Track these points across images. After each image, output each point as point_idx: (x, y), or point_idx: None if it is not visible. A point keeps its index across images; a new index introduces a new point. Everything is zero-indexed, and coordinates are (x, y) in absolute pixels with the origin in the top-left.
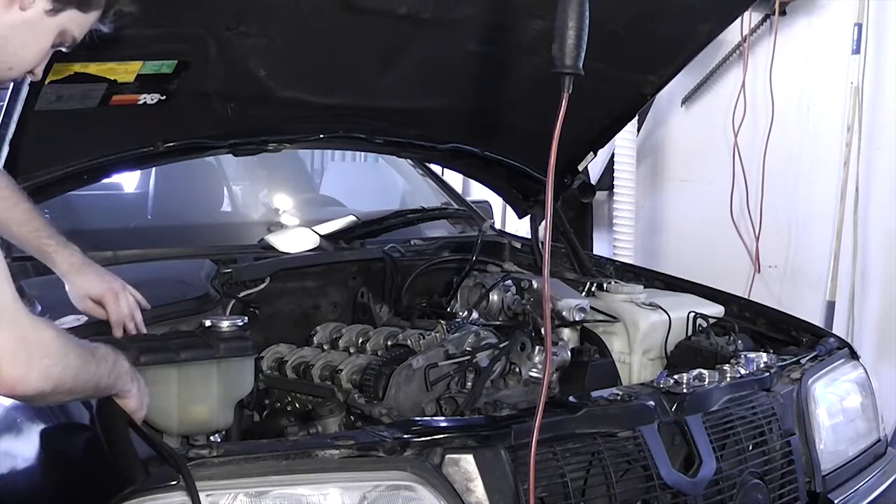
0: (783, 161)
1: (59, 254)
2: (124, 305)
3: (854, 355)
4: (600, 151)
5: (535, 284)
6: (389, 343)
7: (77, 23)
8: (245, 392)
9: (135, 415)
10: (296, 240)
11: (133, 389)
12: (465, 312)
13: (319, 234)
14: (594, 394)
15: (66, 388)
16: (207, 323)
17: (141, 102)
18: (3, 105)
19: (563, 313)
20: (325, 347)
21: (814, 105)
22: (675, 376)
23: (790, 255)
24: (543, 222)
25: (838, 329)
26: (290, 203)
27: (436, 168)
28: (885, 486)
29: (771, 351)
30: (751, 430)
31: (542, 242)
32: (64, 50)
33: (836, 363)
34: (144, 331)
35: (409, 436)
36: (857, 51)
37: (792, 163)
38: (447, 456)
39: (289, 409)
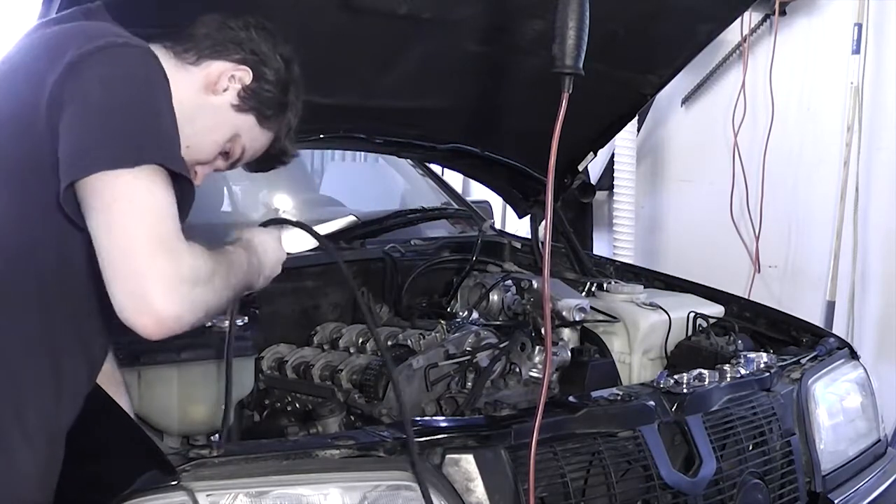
0: (783, 161)
1: None
2: None
3: (854, 355)
4: (600, 151)
5: (535, 284)
6: (389, 343)
7: (250, 133)
8: (245, 392)
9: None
10: (296, 240)
11: (260, 282)
12: (465, 312)
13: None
14: (594, 394)
15: (210, 313)
16: (207, 323)
17: None
18: None
19: (563, 313)
20: (325, 347)
21: (814, 105)
22: (675, 376)
23: (790, 255)
24: (543, 222)
25: (838, 329)
26: (290, 203)
27: (436, 168)
28: (885, 486)
29: (771, 351)
30: (751, 430)
31: (542, 242)
32: (221, 165)
33: (836, 363)
34: None
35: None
36: (857, 51)
37: (792, 163)
38: (447, 456)
39: (289, 409)
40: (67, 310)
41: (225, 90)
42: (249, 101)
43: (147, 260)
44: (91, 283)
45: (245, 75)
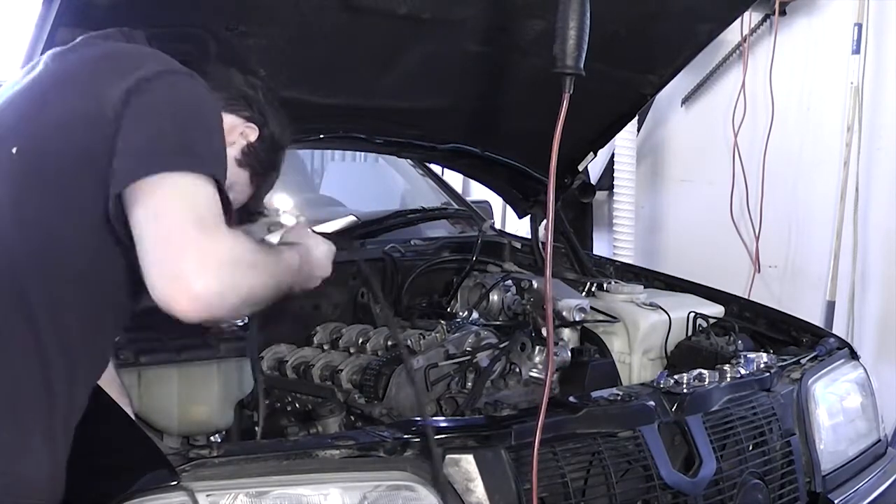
0: (783, 161)
1: None
2: None
3: (854, 355)
4: (600, 151)
5: (535, 284)
6: (389, 343)
7: (241, 187)
8: (245, 392)
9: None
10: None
11: (311, 282)
12: (466, 312)
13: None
14: (594, 394)
15: (254, 300)
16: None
17: None
18: None
19: (563, 313)
20: (325, 347)
21: (814, 105)
22: (675, 376)
23: (790, 255)
24: (544, 222)
25: (838, 329)
26: (290, 203)
27: (436, 168)
28: (886, 486)
29: (771, 351)
30: (751, 430)
31: (543, 242)
32: None
33: (836, 363)
34: None
35: (409, 436)
36: (857, 51)
37: (792, 163)
38: (447, 456)
39: (289, 409)
40: (83, 313)
41: (232, 143)
42: (249, 157)
43: (186, 238)
44: (111, 285)
45: (252, 133)
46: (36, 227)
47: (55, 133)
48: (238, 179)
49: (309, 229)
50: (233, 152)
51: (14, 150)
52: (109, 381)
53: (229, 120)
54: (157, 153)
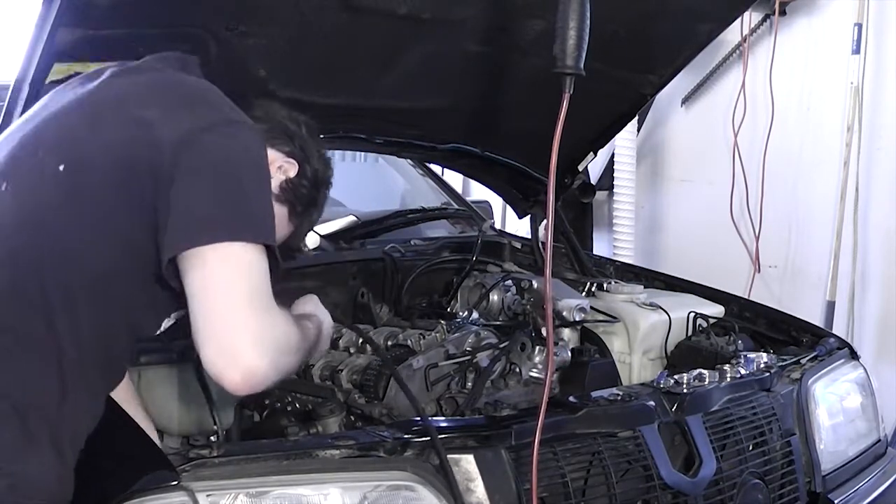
0: (783, 161)
1: None
2: None
3: (854, 355)
4: (600, 151)
5: (535, 284)
6: (389, 343)
7: (279, 223)
8: None
9: None
10: None
11: (315, 356)
12: (466, 312)
13: (319, 234)
14: (594, 394)
15: (283, 375)
16: None
17: None
18: (3, 105)
19: (564, 313)
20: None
21: (814, 105)
22: (675, 376)
23: (790, 255)
24: (544, 222)
25: (838, 329)
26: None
27: (436, 168)
28: (886, 486)
29: (771, 351)
30: (751, 430)
31: (542, 242)
32: None
33: (836, 363)
34: None
35: (409, 436)
36: (857, 51)
37: (792, 163)
38: (448, 456)
39: (289, 409)
40: (96, 320)
41: (270, 178)
42: (288, 193)
43: (243, 318)
44: (130, 290)
45: (291, 168)
46: (67, 234)
47: (104, 153)
48: (276, 216)
49: (319, 301)
50: (275, 185)
51: (61, 168)
52: (128, 398)
53: (269, 154)
54: (214, 221)
